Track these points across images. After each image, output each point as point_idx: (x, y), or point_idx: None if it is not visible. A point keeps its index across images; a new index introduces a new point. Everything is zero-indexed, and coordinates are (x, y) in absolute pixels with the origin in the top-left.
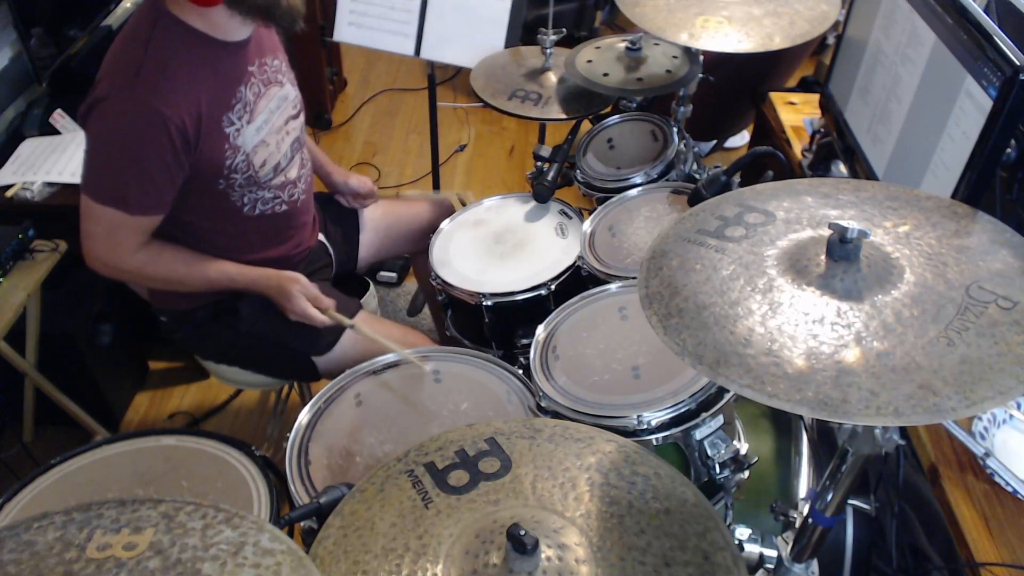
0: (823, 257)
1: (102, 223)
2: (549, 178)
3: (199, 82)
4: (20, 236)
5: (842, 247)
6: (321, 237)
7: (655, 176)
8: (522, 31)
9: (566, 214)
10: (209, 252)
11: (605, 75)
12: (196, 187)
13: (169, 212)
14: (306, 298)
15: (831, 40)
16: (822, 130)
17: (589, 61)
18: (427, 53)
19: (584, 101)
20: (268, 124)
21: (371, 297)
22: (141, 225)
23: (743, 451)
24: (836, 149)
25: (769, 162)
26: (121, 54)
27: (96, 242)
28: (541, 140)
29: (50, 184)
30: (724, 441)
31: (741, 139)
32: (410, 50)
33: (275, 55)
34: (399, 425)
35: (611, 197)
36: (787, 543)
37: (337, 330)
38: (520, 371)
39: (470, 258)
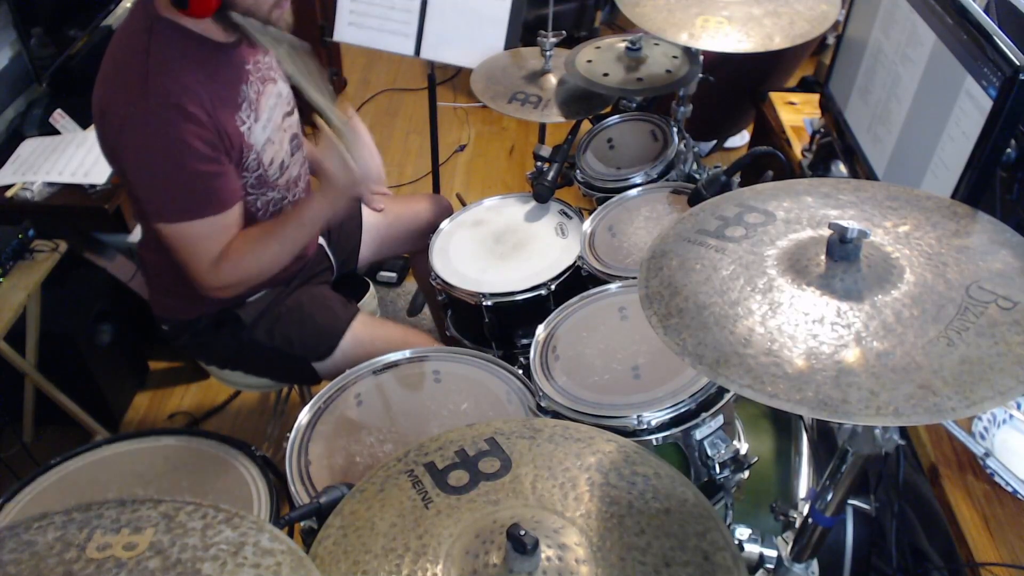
0: (823, 257)
1: (200, 238)
2: (549, 178)
3: (204, 83)
4: (20, 236)
5: (842, 247)
6: (321, 241)
7: (655, 176)
8: (522, 31)
9: (566, 214)
10: None
11: (605, 75)
12: None
13: None
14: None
15: (831, 40)
16: (822, 130)
17: (589, 61)
18: (427, 53)
19: (584, 102)
20: (271, 122)
21: (371, 297)
22: (231, 219)
23: (743, 451)
24: (836, 149)
25: (769, 162)
26: (121, 66)
27: (205, 260)
28: (541, 140)
29: (50, 184)
30: (724, 441)
31: (741, 139)
32: (410, 50)
33: (266, 52)
34: (399, 425)
35: (611, 197)
36: (787, 543)
37: (336, 334)
38: (520, 371)
39: (470, 258)
